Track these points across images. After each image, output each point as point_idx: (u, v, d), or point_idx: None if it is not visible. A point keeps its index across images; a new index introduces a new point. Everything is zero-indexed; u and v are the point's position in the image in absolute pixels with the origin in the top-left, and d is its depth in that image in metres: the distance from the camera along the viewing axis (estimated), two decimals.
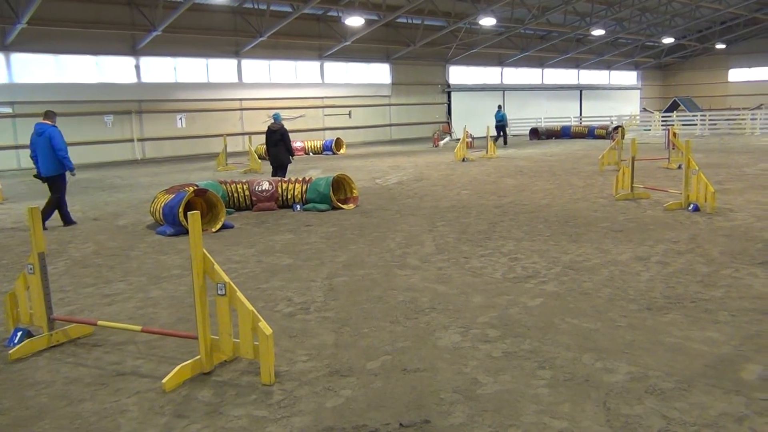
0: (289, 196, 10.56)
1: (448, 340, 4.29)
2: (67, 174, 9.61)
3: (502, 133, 26.96)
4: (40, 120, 9.46)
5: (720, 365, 3.74)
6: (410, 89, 34.27)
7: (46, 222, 9.47)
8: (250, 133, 23.81)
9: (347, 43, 28.91)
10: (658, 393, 3.41)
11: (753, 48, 46.55)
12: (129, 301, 5.59)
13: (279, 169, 12.92)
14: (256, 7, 25.44)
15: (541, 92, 42.29)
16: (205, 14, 24.81)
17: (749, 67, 47.55)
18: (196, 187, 9.29)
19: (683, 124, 30.10)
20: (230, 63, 26.99)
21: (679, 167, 11.83)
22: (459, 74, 37.04)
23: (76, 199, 12.70)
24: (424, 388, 3.58)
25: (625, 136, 20.16)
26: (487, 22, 29.18)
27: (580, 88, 45.31)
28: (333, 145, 25.20)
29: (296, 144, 23.05)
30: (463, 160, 19.14)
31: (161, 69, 25.08)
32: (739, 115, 31.26)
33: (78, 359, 4.26)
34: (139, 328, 4.30)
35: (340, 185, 10.78)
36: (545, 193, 11.43)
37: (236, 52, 26.76)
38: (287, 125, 14.01)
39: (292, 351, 4.22)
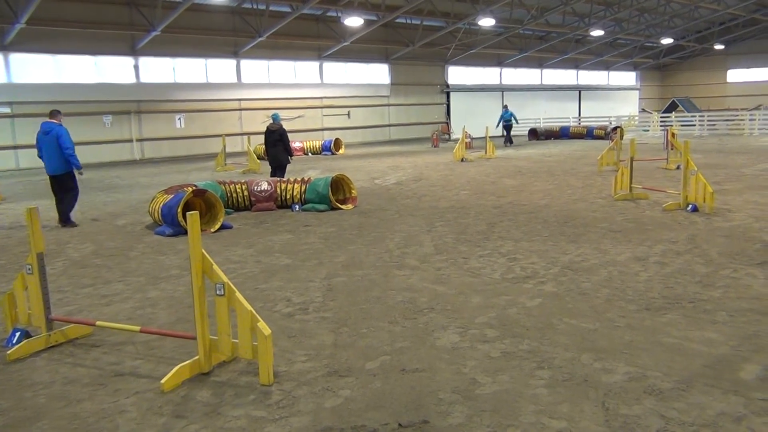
0: (287, 197, 10.56)
1: (446, 341, 4.30)
2: (75, 172, 9.66)
3: (507, 133, 27.04)
4: (46, 119, 9.52)
5: (718, 365, 3.74)
6: (409, 89, 34.26)
7: (72, 215, 9.75)
8: (249, 134, 23.76)
9: (346, 44, 28.90)
10: (657, 393, 3.41)
11: (752, 49, 46.60)
12: (127, 301, 5.59)
13: (278, 170, 12.93)
14: (255, 7, 25.42)
15: (540, 93, 42.30)
16: (204, 14, 24.79)
17: (748, 67, 47.61)
18: (194, 188, 9.29)
19: (682, 125, 30.12)
20: (229, 63, 26.97)
21: (678, 168, 11.83)
22: (458, 74, 37.04)
23: None
24: (423, 388, 3.58)
25: (624, 137, 20.18)
26: (486, 22, 29.19)
27: (579, 89, 45.34)
28: (332, 145, 25.20)
29: (295, 144, 23.01)
30: (462, 160, 19.16)
31: (160, 69, 25.05)
32: (737, 115, 31.26)
33: (76, 360, 4.26)
34: (137, 328, 4.30)
35: (339, 185, 10.77)
36: (544, 193, 11.44)
37: (235, 53, 26.75)
38: (286, 125, 14.00)
39: (290, 351, 4.22)
